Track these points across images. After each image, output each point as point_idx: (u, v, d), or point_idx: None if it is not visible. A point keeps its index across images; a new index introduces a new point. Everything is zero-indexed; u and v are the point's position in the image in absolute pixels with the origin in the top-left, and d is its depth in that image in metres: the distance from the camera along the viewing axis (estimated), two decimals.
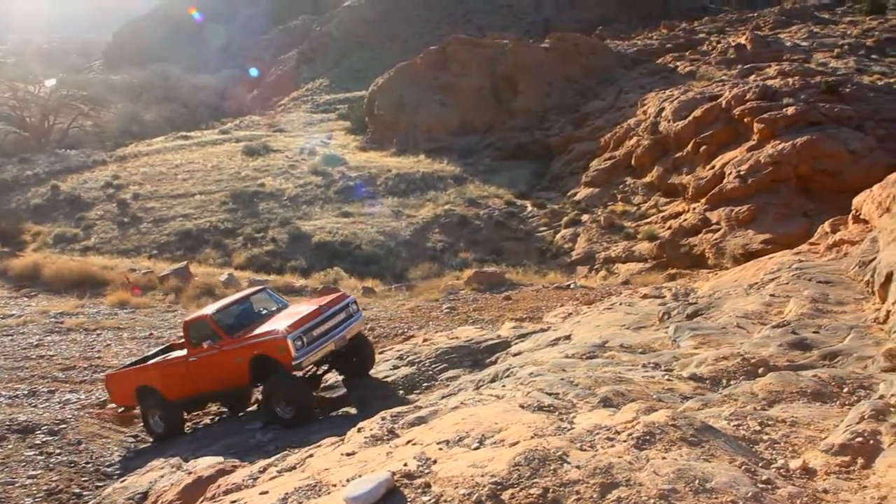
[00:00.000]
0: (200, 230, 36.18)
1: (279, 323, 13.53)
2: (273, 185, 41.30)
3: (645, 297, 18.10)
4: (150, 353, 16.57)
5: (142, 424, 14.73)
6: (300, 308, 14.58)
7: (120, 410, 15.38)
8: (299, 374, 13.64)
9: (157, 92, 79.49)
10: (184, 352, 14.74)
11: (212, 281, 25.92)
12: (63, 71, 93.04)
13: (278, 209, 38.17)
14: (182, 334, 14.88)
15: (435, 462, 5.33)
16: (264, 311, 14.66)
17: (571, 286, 24.12)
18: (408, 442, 6.14)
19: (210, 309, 14.58)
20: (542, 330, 15.89)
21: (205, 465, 11.06)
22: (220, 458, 11.43)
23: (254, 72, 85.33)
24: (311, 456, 7.38)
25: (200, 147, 52.14)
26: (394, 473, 5.21)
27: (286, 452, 8.51)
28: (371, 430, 7.03)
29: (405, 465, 5.38)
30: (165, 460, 12.49)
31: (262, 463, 8.25)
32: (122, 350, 19.04)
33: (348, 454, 6.39)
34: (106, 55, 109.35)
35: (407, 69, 55.49)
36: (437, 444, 5.72)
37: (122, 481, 11.72)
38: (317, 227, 35.35)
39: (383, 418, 7.40)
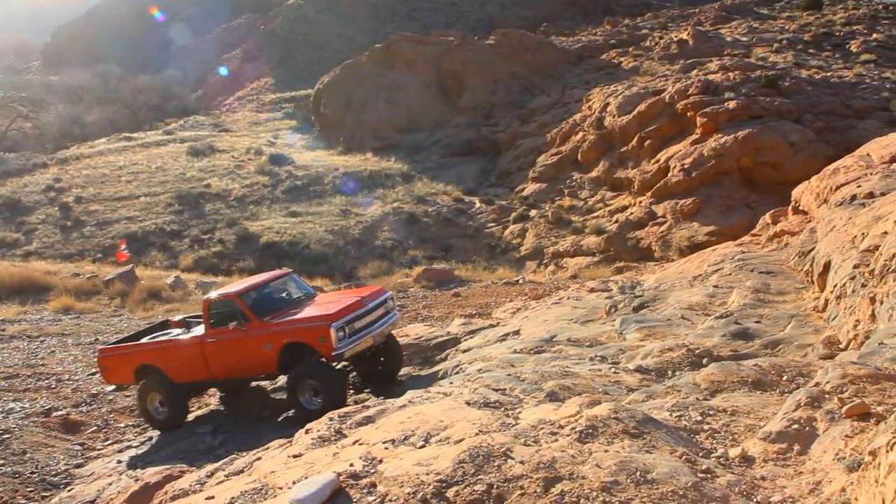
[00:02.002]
0: (146, 233, 35.62)
1: (320, 309, 12.70)
2: (219, 185, 40.80)
3: (592, 290, 18.29)
4: (143, 328, 15.80)
5: (91, 431, 14.28)
6: (339, 297, 13.82)
7: (111, 388, 14.72)
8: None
9: (99, 93, 77.93)
10: (191, 331, 14.02)
11: (158, 284, 25.56)
12: None
13: (225, 210, 37.72)
14: (201, 313, 13.77)
15: (381, 462, 5.33)
16: (293, 297, 13.73)
17: (520, 281, 24.25)
18: (355, 442, 6.13)
19: (237, 287, 13.52)
20: (492, 326, 15.97)
21: (153, 471, 10.95)
22: (169, 464, 11.31)
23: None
24: (258, 459, 7.34)
25: (144, 148, 51.27)
26: (339, 474, 5.20)
27: (234, 456, 8.45)
28: (318, 431, 7.00)
29: (351, 465, 5.37)
30: (113, 467, 12.33)
31: (210, 467, 8.18)
32: (68, 356, 18.66)
33: (295, 456, 6.36)
34: (44, 55, 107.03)
35: (353, 67, 55.22)
36: (384, 443, 5.72)
37: (69, 490, 11.55)
38: (264, 228, 35.02)
39: (331, 419, 7.38)
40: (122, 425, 14.74)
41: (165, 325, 15.54)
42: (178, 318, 15.90)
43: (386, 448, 5.63)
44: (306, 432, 7.18)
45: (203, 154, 47.26)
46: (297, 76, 76.33)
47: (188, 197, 39.16)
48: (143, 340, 14.60)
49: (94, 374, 16.90)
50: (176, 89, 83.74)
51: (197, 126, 63.67)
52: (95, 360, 15.20)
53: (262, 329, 12.55)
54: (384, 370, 13.93)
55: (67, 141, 60.05)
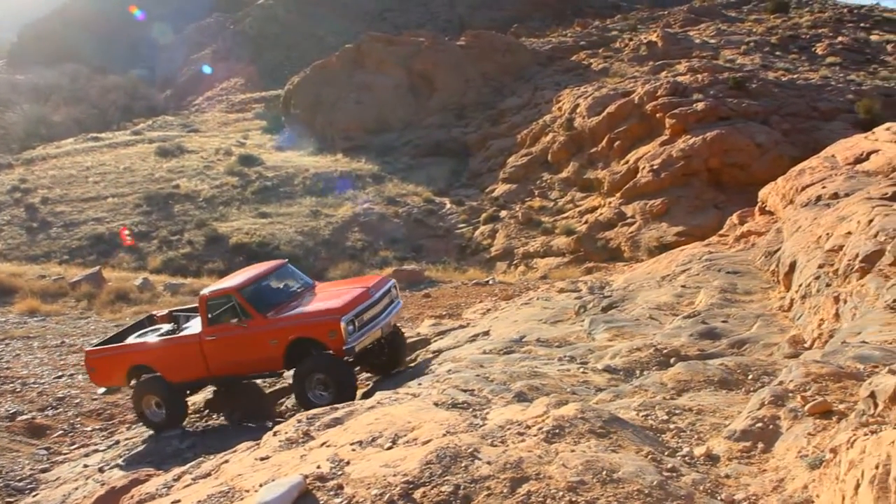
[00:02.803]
0: (113, 234, 35.25)
1: (327, 303, 12.22)
2: (188, 186, 40.47)
3: (561, 291, 18.35)
4: (129, 325, 15.23)
5: (57, 435, 14.10)
6: (342, 288, 13.30)
7: (101, 392, 14.35)
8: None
9: (65, 92, 77.10)
10: (181, 326, 13.66)
11: (126, 286, 25.32)
12: None
13: (194, 211, 37.43)
14: (198, 308, 13.16)
15: (348, 463, 5.31)
16: (292, 289, 13.21)
17: (490, 282, 24.29)
18: (322, 444, 6.11)
19: (235, 281, 12.99)
20: (462, 326, 15.99)
21: (119, 475, 10.86)
22: (136, 468, 11.22)
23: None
24: (226, 462, 7.28)
25: (112, 149, 50.72)
26: (306, 476, 5.18)
27: (201, 459, 8.38)
28: (286, 433, 6.96)
29: (318, 467, 5.35)
30: (80, 472, 12.21)
31: (177, 471, 8.11)
32: (33, 359, 18.43)
33: (262, 458, 6.32)
34: (10, 55, 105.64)
35: (323, 68, 55.02)
36: (351, 445, 5.71)
37: (34, 496, 11.43)
38: (234, 229, 34.80)
39: (299, 420, 7.34)
40: (88, 429, 14.58)
41: (151, 320, 15.09)
42: (163, 312, 15.55)
43: (353, 450, 5.62)
44: (274, 434, 7.14)
45: (172, 154, 46.85)
46: (266, 76, 75.97)
47: (156, 198, 38.82)
48: (131, 338, 14.18)
49: (59, 377, 16.74)
50: (144, 89, 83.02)
51: (166, 126, 63.12)
52: (83, 361, 14.71)
53: (266, 325, 12.10)
54: (389, 361, 13.56)
55: (34, 141, 59.34)
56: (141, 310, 22.63)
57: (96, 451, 13.37)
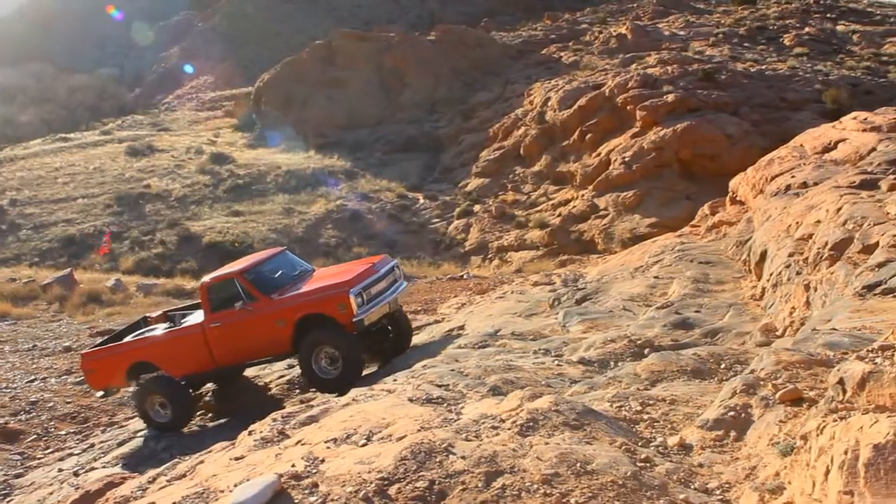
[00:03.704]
0: (84, 235, 34.90)
1: (333, 278, 12.14)
2: (159, 185, 40.16)
3: (536, 284, 18.42)
4: (122, 328, 14.85)
5: (31, 440, 13.89)
6: (344, 268, 13.25)
7: (99, 395, 14.00)
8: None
9: (32, 93, 76.24)
10: (181, 323, 13.31)
11: (98, 287, 25.06)
12: None
13: (166, 210, 37.16)
14: (200, 297, 12.91)
15: (323, 461, 5.30)
16: (294, 274, 12.95)
17: (465, 276, 24.31)
18: (297, 442, 6.09)
19: (236, 267, 12.81)
20: (437, 321, 15.99)
21: (94, 478, 10.75)
22: (111, 471, 11.13)
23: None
24: (201, 462, 7.25)
25: (81, 149, 50.21)
26: (281, 475, 5.16)
27: (176, 460, 8.34)
28: (261, 432, 6.94)
29: (293, 465, 5.33)
30: (54, 476, 12.09)
31: (152, 473, 8.07)
32: (5, 364, 18.18)
33: (237, 458, 6.30)
34: None
35: (293, 64, 54.77)
36: (326, 442, 5.70)
37: (8, 501, 11.29)
38: (206, 228, 34.59)
39: (274, 419, 7.32)
40: (63, 433, 14.43)
41: (146, 321, 14.77)
42: (157, 313, 15.28)
43: (328, 447, 5.60)
44: (249, 434, 7.12)
45: (142, 154, 46.49)
46: (237, 74, 75.51)
47: (127, 198, 38.48)
48: (128, 339, 13.86)
49: (32, 381, 16.55)
50: (113, 88, 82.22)
51: (135, 125, 62.58)
52: (79, 365, 14.39)
53: (273, 306, 11.93)
54: (394, 344, 13.35)
55: (0, 142, 58.63)
56: (114, 311, 22.46)
57: (71, 454, 13.22)
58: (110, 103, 76.20)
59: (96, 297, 24.03)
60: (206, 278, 12.94)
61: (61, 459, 13.05)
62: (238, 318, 12.11)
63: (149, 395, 12.76)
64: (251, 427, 7.45)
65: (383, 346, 13.31)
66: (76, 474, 11.88)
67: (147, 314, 15.54)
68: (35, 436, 14.15)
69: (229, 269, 12.91)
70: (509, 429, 5.24)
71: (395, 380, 8.36)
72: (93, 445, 13.61)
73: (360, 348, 12.02)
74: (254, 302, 12.00)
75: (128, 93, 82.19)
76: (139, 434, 13.26)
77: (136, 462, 11.81)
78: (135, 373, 12.96)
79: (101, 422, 15.02)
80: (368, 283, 11.92)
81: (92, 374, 13.46)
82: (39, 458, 13.42)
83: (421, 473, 4.69)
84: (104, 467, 11.90)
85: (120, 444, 13.15)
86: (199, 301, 13.03)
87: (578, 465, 4.59)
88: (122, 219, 36.31)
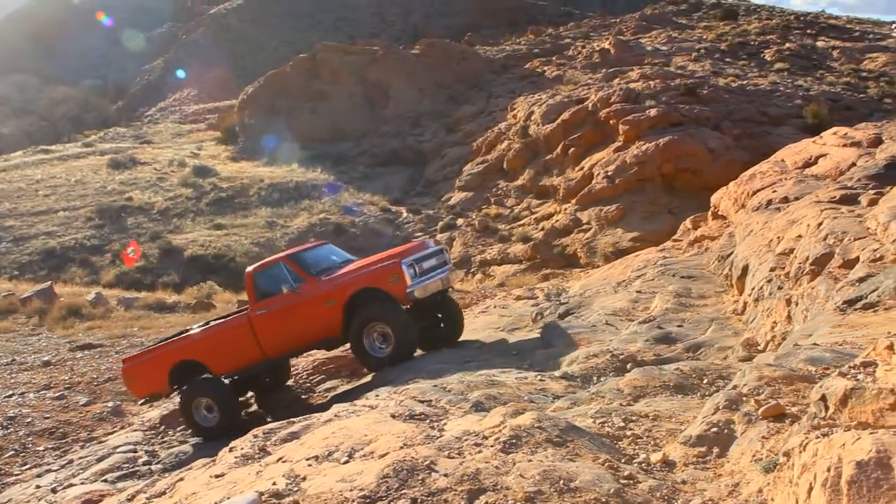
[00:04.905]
0: (65, 248, 34.66)
1: (381, 256, 12.08)
2: (141, 198, 39.99)
3: (518, 298, 18.40)
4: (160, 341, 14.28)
5: (8, 455, 13.63)
6: (390, 250, 13.03)
7: (140, 403, 13.48)
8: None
9: (14, 104, 75.88)
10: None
11: (78, 301, 24.84)
12: None
13: (148, 223, 36.97)
14: (245, 288, 12.67)
15: (304, 479, 5.24)
16: (340, 261, 12.72)
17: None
18: (279, 459, 6.03)
19: (280, 254, 12.78)
20: None
21: (72, 495, 10.64)
22: (89, 487, 11.00)
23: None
24: (181, 479, 7.15)
25: (63, 161, 49.98)
26: (261, 494, 5.09)
27: (156, 477, 8.25)
28: (242, 449, 6.86)
29: (274, 483, 5.27)
30: (32, 493, 11.93)
31: (131, 490, 7.96)
32: None
33: (218, 476, 6.21)
34: None
35: (277, 77, 54.77)
36: (307, 459, 5.64)
37: None
38: (189, 241, 34.43)
39: (255, 436, 7.24)
40: (41, 448, 14.25)
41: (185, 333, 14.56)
42: (197, 326, 14.93)
43: (309, 465, 5.55)
44: (230, 450, 7.03)
45: (124, 166, 46.32)
46: (220, 86, 75.39)
47: (109, 210, 38.28)
48: None
49: (10, 396, 16.37)
50: (96, 100, 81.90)
51: (118, 138, 62.39)
52: (119, 373, 13.99)
53: (322, 286, 11.71)
54: (444, 332, 13.09)
55: None
56: (94, 325, 22.25)
57: (49, 471, 13.05)
58: (93, 115, 75.92)
59: (76, 311, 23.81)
60: (250, 267, 12.75)
61: (39, 476, 12.87)
62: (286, 302, 11.85)
63: (194, 398, 12.32)
64: (232, 443, 7.37)
65: (435, 333, 12.97)
66: (54, 491, 11.73)
67: (187, 328, 15.12)
68: (12, 452, 13.96)
69: (274, 256, 12.82)
70: (492, 446, 5.21)
71: (377, 395, 8.31)
72: (71, 461, 13.45)
73: (413, 325, 11.73)
74: (302, 284, 11.78)
75: (110, 105, 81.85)
76: (118, 450, 13.11)
77: (115, 478, 11.67)
78: (178, 375, 12.52)
79: (80, 437, 14.84)
80: (420, 258, 11.80)
81: (133, 381, 13.00)
82: (17, 475, 13.23)
83: (403, 492, 4.64)
84: (83, 483, 11.75)
85: (99, 460, 12.99)
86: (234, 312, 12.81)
87: (561, 482, 4.56)
88: (104, 231, 36.09)
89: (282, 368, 13.73)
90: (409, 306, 11.65)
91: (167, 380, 12.52)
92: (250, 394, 14.39)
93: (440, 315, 13.12)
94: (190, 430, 12.85)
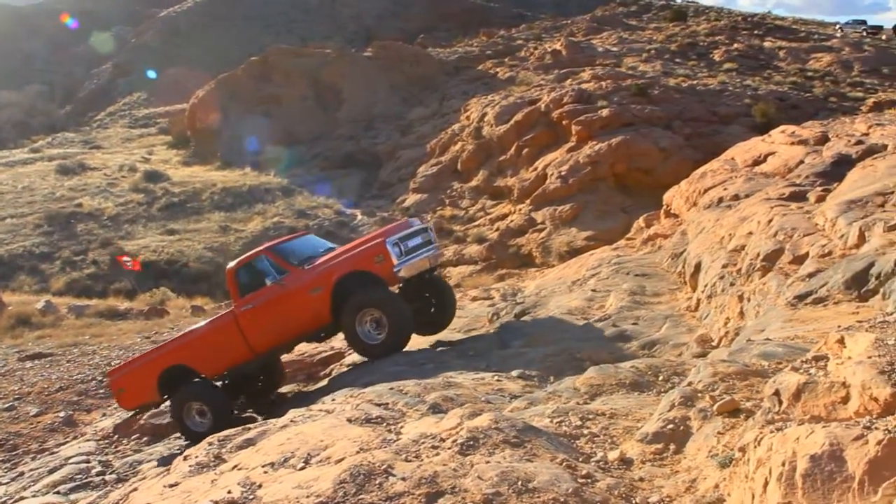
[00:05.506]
0: (13, 255, 33.92)
1: (364, 239, 11.86)
2: (91, 204, 39.28)
3: (475, 299, 18.43)
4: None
5: None
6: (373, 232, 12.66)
7: (129, 414, 12.97)
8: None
9: None
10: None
11: (28, 309, 24.31)
12: None
13: (98, 230, 36.33)
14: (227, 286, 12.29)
15: (260, 486, 5.16)
16: (322, 250, 12.40)
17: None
18: (234, 467, 5.93)
19: (262, 246, 12.41)
20: None
21: None
22: (41, 499, 10.78)
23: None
24: (134, 490, 7.03)
25: (9, 167, 48.95)
26: (216, 502, 5.01)
27: (108, 488, 8.09)
28: (197, 457, 6.74)
29: (229, 492, 5.18)
30: None
31: (84, 501, 7.84)
32: None
33: (172, 485, 6.10)
34: None
35: (228, 81, 54.23)
36: (263, 466, 5.56)
37: None
38: (141, 247, 33.91)
39: (210, 443, 7.13)
40: None
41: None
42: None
43: (265, 472, 5.47)
44: (184, 459, 6.92)
45: (73, 172, 45.52)
46: (170, 90, 74.40)
47: (58, 217, 37.54)
48: None
49: None
50: (42, 105, 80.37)
51: (66, 143, 61.23)
52: (107, 386, 13.70)
53: (306, 275, 11.44)
54: (435, 315, 12.91)
55: None
56: (44, 334, 21.79)
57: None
58: (39, 120, 74.45)
59: (26, 320, 23.31)
60: (232, 263, 12.50)
61: None
62: (271, 294, 11.59)
63: (185, 403, 12.02)
64: (186, 452, 7.25)
65: (425, 318, 12.74)
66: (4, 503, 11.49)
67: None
68: None
69: (255, 250, 12.58)
70: (449, 448, 5.18)
71: (333, 399, 8.24)
72: (22, 474, 13.14)
73: (407, 309, 11.51)
74: (285, 275, 11.56)
75: (58, 109, 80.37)
76: (71, 461, 12.86)
77: (68, 490, 11.44)
78: (167, 382, 12.19)
79: (31, 449, 14.51)
80: (404, 236, 11.54)
81: (123, 394, 12.55)
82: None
83: (360, 497, 4.59)
84: (34, 496, 11.51)
85: (51, 472, 12.72)
86: None
87: (520, 483, 4.54)
88: (53, 239, 35.40)
89: (275, 368, 13.45)
90: (398, 287, 11.57)
91: (156, 388, 12.23)
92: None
93: (431, 298, 12.90)
94: (185, 437, 12.46)
